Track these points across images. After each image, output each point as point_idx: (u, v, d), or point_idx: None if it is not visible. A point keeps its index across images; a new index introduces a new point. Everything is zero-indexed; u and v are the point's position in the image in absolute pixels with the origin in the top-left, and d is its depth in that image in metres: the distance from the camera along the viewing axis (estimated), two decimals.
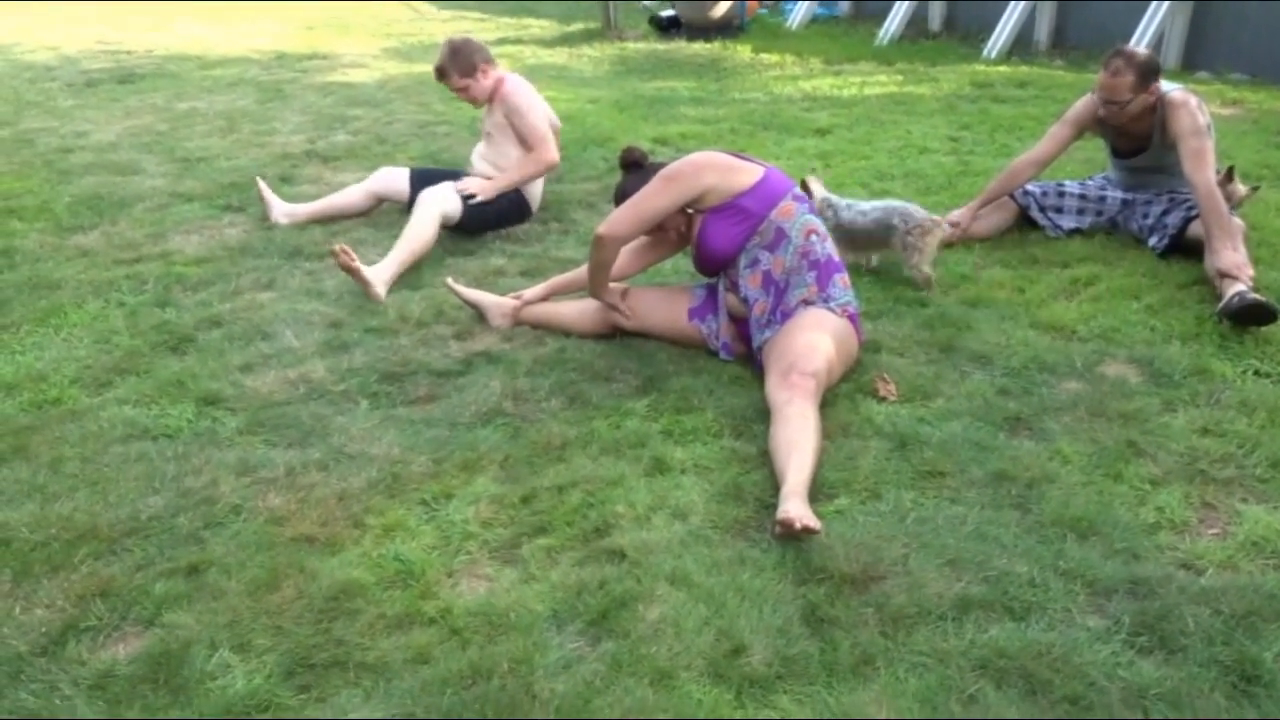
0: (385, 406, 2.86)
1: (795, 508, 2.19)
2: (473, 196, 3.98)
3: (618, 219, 2.87)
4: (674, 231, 3.02)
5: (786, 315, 2.85)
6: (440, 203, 3.90)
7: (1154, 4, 6.81)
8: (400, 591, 2.11)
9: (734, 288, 2.96)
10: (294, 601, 2.07)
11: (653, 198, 2.85)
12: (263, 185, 4.41)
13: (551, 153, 4.08)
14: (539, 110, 4.11)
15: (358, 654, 1.94)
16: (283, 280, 3.73)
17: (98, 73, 7.80)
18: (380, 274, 3.53)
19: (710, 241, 2.90)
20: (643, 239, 3.10)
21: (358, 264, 3.44)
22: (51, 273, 3.81)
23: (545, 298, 3.30)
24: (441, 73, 4.07)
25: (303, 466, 2.55)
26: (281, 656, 1.93)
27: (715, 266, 2.97)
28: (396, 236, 4.10)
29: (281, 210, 4.31)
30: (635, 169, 3.11)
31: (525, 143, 4.07)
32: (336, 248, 3.41)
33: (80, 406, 2.86)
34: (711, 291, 3.08)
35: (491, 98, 4.09)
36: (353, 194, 4.37)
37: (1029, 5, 7.62)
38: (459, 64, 4.02)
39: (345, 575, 2.14)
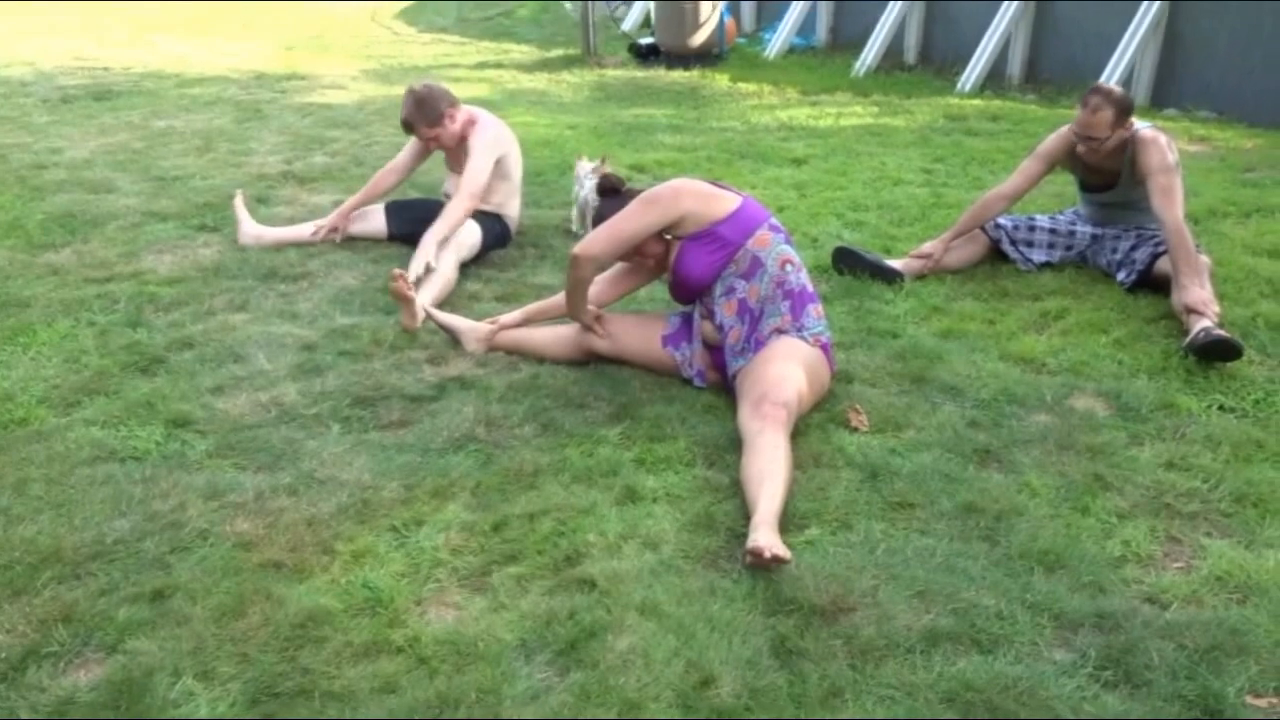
0: (357, 431, 2.84)
1: (764, 537, 2.20)
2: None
3: (595, 239, 2.89)
4: (651, 258, 3.04)
5: (760, 344, 2.87)
6: (460, 250, 3.89)
7: (1124, 41, 6.94)
8: (368, 619, 2.09)
9: (709, 315, 2.98)
10: (260, 628, 2.04)
11: (630, 219, 2.87)
12: (239, 203, 4.37)
13: (465, 206, 3.92)
14: (486, 161, 4.01)
15: (324, 683, 1.92)
16: (256, 302, 3.71)
17: (74, 89, 7.75)
18: (419, 310, 3.49)
19: (687, 268, 2.92)
20: (619, 266, 3.12)
21: (413, 294, 3.41)
22: (21, 290, 3.77)
23: (521, 324, 3.30)
24: (409, 125, 4.03)
25: (272, 491, 2.53)
26: (246, 685, 1.91)
27: (691, 294, 2.99)
28: (374, 260, 4.10)
29: (249, 234, 4.27)
30: (613, 194, 3.12)
31: (466, 178, 3.98)
32: (396, 273, 3.37)
33: (47, 427, 2.82)
34: (686, 319, 3.09)
35: (462, 138, 4.07)
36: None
37: (1002, 40, 7.75)
38: (425, 115, 3.97)
39: (313, 602, 2.12)
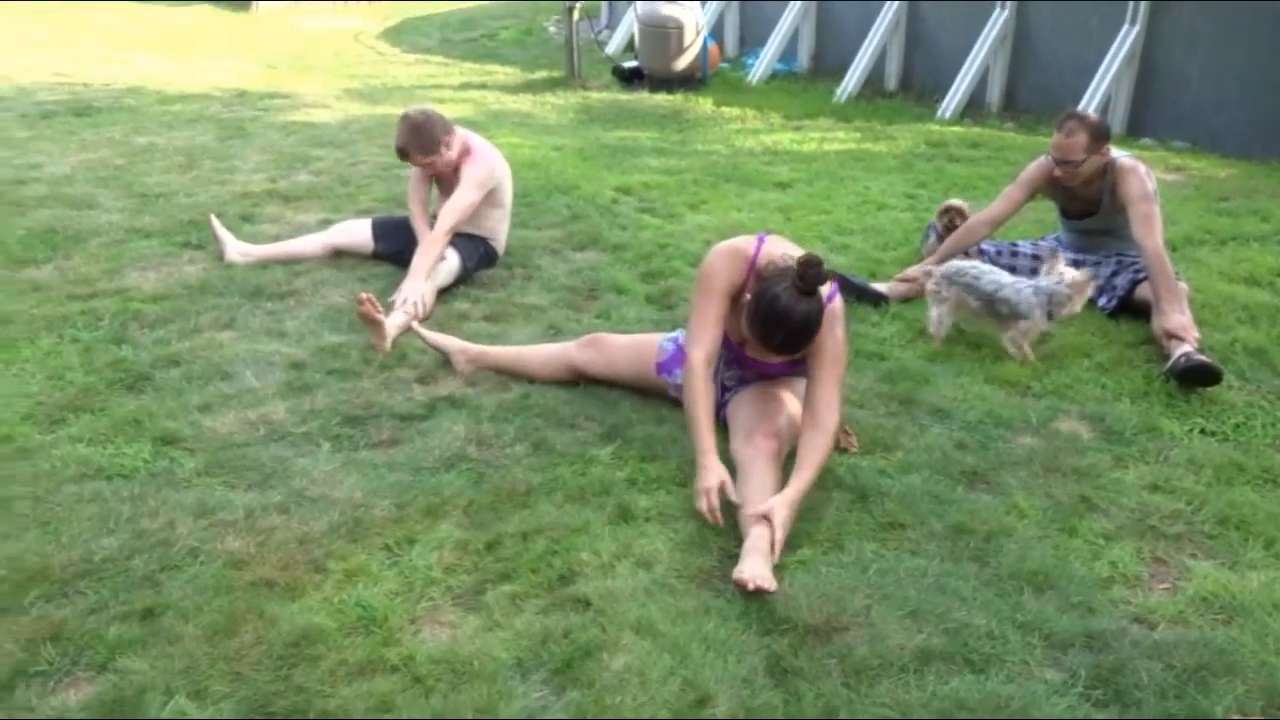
0: (347, 449, 2.84)
1: (750, 567, 2.22)
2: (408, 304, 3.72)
3: (690, 339, 2.74)
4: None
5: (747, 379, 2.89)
6: (436, 277, 3.88)
7: (1100, 71, 7.08)
8: (362, 638, 2.08)
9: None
10: (253, 647, 2.03)
11: (698, 306, 2.74)
12: (216, 223, 4.37)
13: (440, 237, 3.91)
14: (473, 196, 4.01)
15: (318, 701, 1.91)
16: (243, 320, 3.69)
17: (53, 104, 7.70)
18: (391, 329, 3.50)
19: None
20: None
21: (381, 317, 3.41)
22: (2, 306, 3.74)
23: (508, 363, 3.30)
24: (404, 153, 4.01)
25: (263, 509, 2.51)
26: (239, 704, 1.90)
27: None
28: (361, 278, 4.10)
29: (237, 249, 4.27)
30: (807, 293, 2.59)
31: (449, 204, 3.99)
32: (364, 296, 3.37)
33: (31, 444, 2.79)
34: (680, 346, 3.10)
35: (456, 165, 4.07)
36: (311, 244, 4.34)
37: (981, 69, 7.88)
38: (420, 143, 3.95)
39: (306, 621, 2.11)
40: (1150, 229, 3.56)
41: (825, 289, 2.55)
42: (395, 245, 4.21)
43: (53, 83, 8.66)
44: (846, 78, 8.62)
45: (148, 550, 2.33)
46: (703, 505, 2.46)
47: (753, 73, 9.36)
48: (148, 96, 8.14)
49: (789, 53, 9.59)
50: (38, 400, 3.04)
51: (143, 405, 3.03)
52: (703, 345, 2.70)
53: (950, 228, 4.14)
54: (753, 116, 7.82)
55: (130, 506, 2.50)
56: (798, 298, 2.48)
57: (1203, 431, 2.99)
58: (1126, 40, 7.02)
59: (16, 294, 3.88)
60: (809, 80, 9.34)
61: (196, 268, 4.23)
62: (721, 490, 2.48)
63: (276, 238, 4.56)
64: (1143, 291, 3.65)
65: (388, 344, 3.44)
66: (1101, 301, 3.84)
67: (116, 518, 2.45)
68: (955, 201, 4.27)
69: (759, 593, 2.17)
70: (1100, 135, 3.69)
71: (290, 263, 4.24)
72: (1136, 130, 7.15)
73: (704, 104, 8.26)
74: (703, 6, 9.26)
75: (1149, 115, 7.13)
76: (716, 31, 10.12)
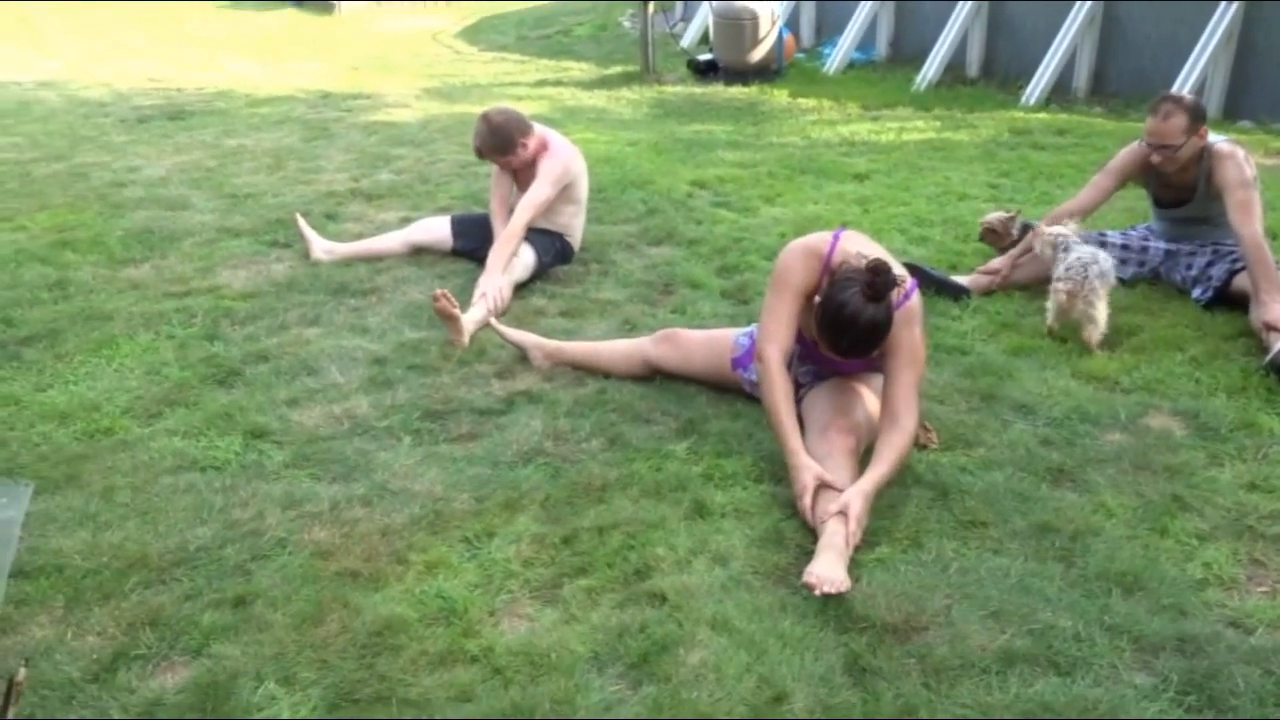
0: (428, 443, 2.89)
1: (821, 566, 2.20)
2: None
3: (762, 334, 2.74)
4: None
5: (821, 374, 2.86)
6: (512, 272, 3.93)
7: (1195, 51, 6.81)
8: (443, 629, 2.12)
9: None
10: (338, 636, 2.09)
11: (771, 303, 2.74)
12: (302, 222, 4.50)
13: (516, 232, 3.96)
14: (549, 192, 4.04)
15: (401, 690, 1.95)
16: (328, 316, 3.79)
17: (149, 109, 8.00)
18: (469, 325, 3.56)
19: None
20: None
21: (457, 312, 3.47)
22: (104, 304, 3.90)
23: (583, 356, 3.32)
24: (480, 153, 4.07)
25: (347, 501, 2.58)
26: (326, 690, 1.95)
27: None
28: (440, 275, 4.17)
29: (321, 247, 4.39)
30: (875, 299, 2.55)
31: (525, 199, 4.04)
32: (439, 293, 3.43)
33: (131, 436, 2.91)
34: (754, 342, 3.08)
35: (533, 161, 4.11)
36: (392, 241, 4.44)
37: (1069, 51, 7.65)
38: (497, 144, 4.01)
39: (388, 611, 2.16)
40: (1249, 216, 3.42)
41: (897, 293, 2.51)
42: (474, 242, 4.27)
43: (149, 88, 9.00)
44: (926, 65, 8.45)
45: (239, 540, 2.41)
46: (805, 507, 2.45)
47: (829, 63, 9.24)
48: (237, 100, 8.40)
49: (866, 41, 9.44)
50: (137, 395, 3.17)
51: (234, 399, 3.13)
52: (776, 341, 2.68)
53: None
54: (829, 107, 7.72)
55: (222, 497, 2.59)
56: (865, 303, 2.45)
57: None
58: (1225, 18, 6.74)
59: (116, 292, 4.04)
60: (887, 69, 9.18)
61: (284, 266, 4.36)
62: (821, 486, 2.46)
63: (359, 236, 4.67)
64: (1240, 282, 3.51)
65: (465, 339, 3.49)
66: (1196, 292, 3.70)
67: (210, 508, 2.54)
68: (993, 218, 4.17)
69: (827, 596, 2.15)
70: (1198, 116, 3.55)
71: (372, 260, 4.34)
72: (1234, 113, 6.86)
73: (780, 96, 8.19)
74: None
75: (1248, 97, 6.83)
76: (792, 22, 10.02)
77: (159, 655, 2.05)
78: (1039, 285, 3.90)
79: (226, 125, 7.39)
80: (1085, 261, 3.37)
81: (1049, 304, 3.45)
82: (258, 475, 2.71)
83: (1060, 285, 3.38)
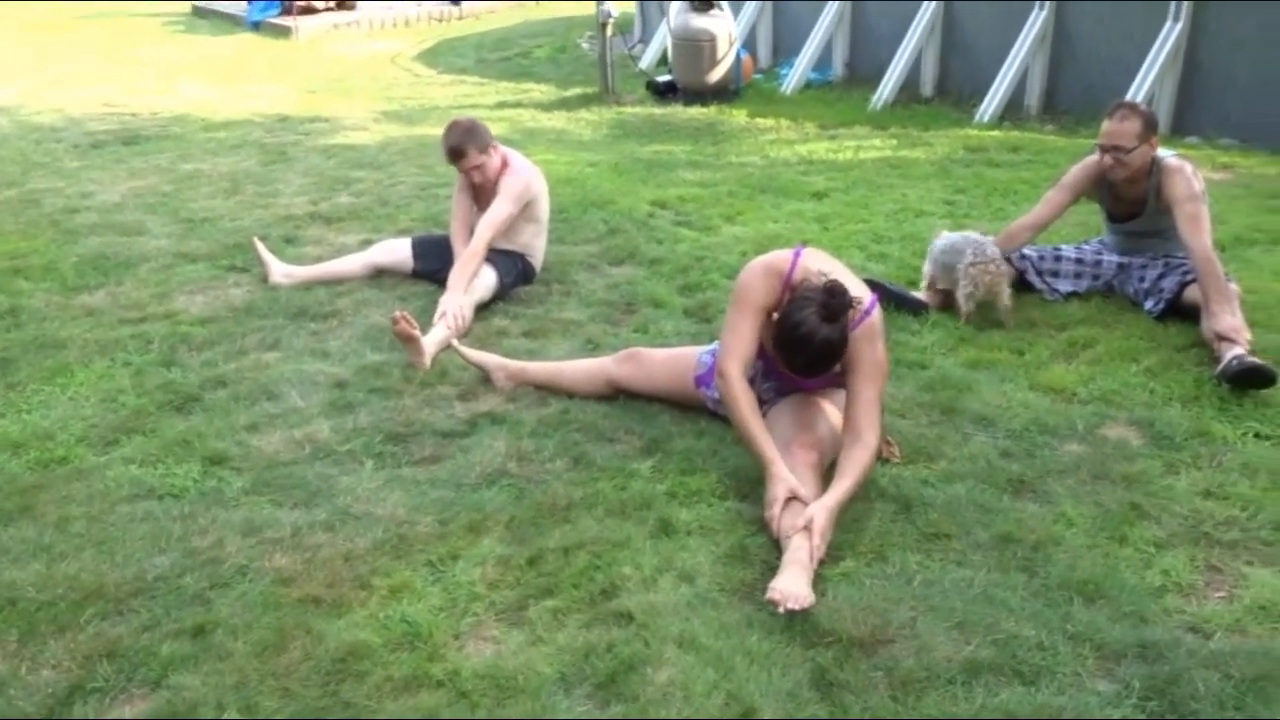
0: (390, 467, 2.87)
1: (785, 583, 2.21)
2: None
3: (723, 351, 2.76)
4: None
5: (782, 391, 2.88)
6: (473, 293, 3.93)
7: (1143, 69, 6.97)
8: (407, 653, 2.10)
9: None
10: (301, 663, 2.06)
11: (733, 320, 2.76)
12: (260, 246, 4.47)
13: (477, 251, 3.95)
14: (509, 210, 4.05)
15: (366, 715, 1.92)
16: (288, 340, 3.75)
17: (103, 134, 7.89)
18: (430, 346, 3.53)
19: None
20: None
21: (417, 333, 3.45)
22: (58, 332, 3.83)
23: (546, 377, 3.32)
24: (458, 152, 4.05)
25: (309, 527, 2.55)
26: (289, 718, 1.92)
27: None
28: (401, 297, 4.15)
29: (280, 270, 4.35)
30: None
31: (485, 217, 4.04)
32: (398, 315, 3.40)
33: (86, 465, 2.86)
34: (716, 358, 3.10)
35: (497, 177, 4.12)
36: (352, 264, 4.42)
37: (1020, 70, 7.80)
38: (476, 140, 4.03)
39: (352, 637, 2.14)
40: (1198, 229, 3.49)
41: (853, 314, 2.55)
42: (435, 263, 4.25)
43: (103, 113, 8.88)
44: (882, 84, 8.57)
45: (198, 568, 2.37)
46: (774, 517, 2.46)
47: (786, 83, 9.34)
48: (193, 124, 8.31)
49: (823, 61, 9.56)
50: (92, 423, 3.11)
51: (192, 426, 3.09)
52: (737, 357, 2.70)
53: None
54: (787, 127, 7.80)
55: (181, 525, 2.55)
56: (820, 323, 2.49)
57: (1257, 435, 2.92)
58: (1170, 37, 6.91)
59: (70, 319, 3.97)
60: (844, 89, 9.30)
61: (242, 290, 4.31)
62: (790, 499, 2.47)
63: (319, 259, 4.63)
64: (1191, 294, 3.58)
65: (427, 361, 3.47)
66: (1149, 304, 3.78)
67: (168, 536, 2.50)
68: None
69: (791, 613, 2.15)
70: (1151, 124, 3.65)
71: (332, 283, 4.30)
72: (1182, 129, 7.02)
73: (738, 116, 8.26)
74: (735, 18, 9.26)
75: (1193, 113, 7.00)
76: (749, 43, 10.12)
77: (117, 688, 2.01)
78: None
79: (182, 150, 7.31)
80: (971, 241, 3.60)
81: (959, 294, 3.62)
82: (217, 502, 2.67)
83: (973, 269, 3.56)
